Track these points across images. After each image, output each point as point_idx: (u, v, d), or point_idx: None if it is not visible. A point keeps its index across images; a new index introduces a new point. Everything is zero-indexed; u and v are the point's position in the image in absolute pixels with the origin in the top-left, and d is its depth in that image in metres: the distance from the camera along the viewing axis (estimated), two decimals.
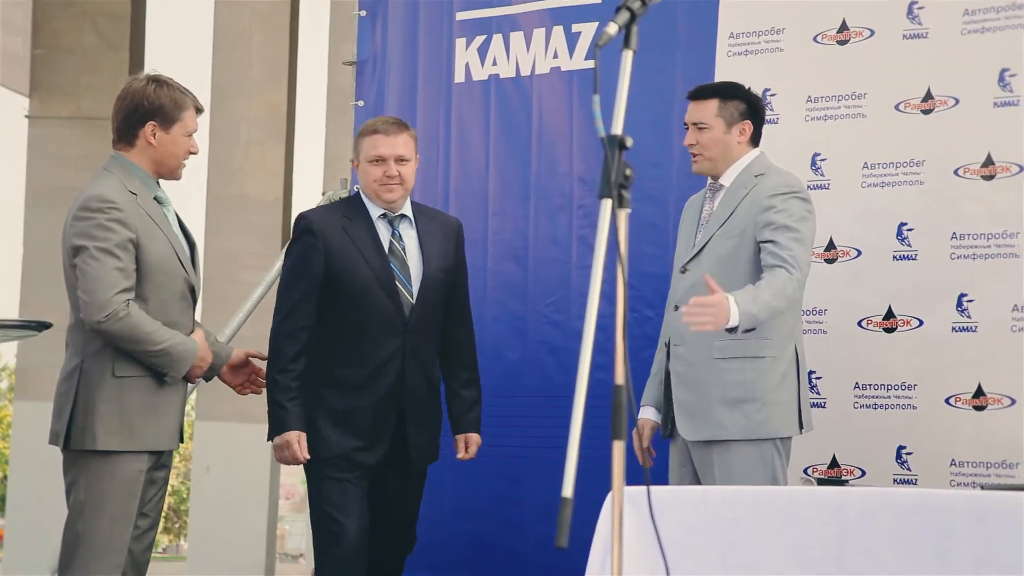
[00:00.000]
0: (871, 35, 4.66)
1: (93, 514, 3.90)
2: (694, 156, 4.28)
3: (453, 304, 4.52)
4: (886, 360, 4.52)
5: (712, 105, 4.24)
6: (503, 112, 5.36)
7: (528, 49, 5.32)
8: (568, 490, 2.42)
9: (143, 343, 3.92)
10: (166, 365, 3.97)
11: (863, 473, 4.54)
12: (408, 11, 5.59)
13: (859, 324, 4.59)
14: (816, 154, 4.72)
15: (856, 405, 4.57)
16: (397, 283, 4.37)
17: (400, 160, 4.40)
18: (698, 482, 4.16)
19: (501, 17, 5.38)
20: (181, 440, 4.09)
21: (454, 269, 4.51)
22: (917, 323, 4.50)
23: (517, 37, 5.34)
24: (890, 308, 4.54)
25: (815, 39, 4.76)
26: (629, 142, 2.61)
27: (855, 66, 4.67)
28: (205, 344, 4.11)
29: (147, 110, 4.03)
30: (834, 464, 4.59)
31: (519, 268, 5.27)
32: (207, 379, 4.33)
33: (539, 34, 5.29)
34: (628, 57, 2.66)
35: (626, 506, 2.85)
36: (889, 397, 4.52)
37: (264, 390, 4.35)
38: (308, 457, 4.30)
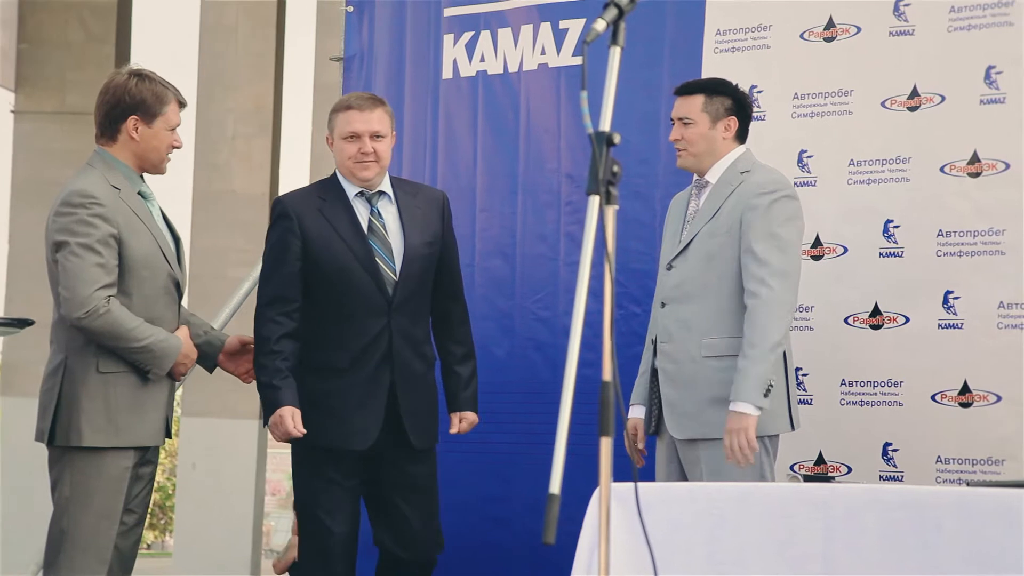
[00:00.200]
0: (857, 32, 4.67)
1: (79, 510, 3.89)
2: (679, 151, 4.28)
3: (443, 278, 4.42)
4: (872, 357, 4.52)
5: (698, 100, 4.24)
6: (491, 108, 5.35)
7: (516, 45, 5.31)
8: (555, 486, 2.42)
9: (124, 340, 3.89)
10: (148, 362, 3.95)
11: (849, 470, 4.55)
12: (396, 7, 5.58)
13: (845, 321, 4.60)
14: (803, 151, 4.72)
15: (842, 402, 4.57)
16: (378, 260, 4.26)
17: (376, 136, 4.28)
18: (685, 478, 4.16)
19: (489, 13, 5.38)
20: (168, 436, 4.08)
21: (440, 242, 4.39)
22: (903, 320, 4.51)
23: (505, 33, 5.34)
24: (876, 305, 4.55)
25: (802, 36, 4.76)
26: (617, 138, 2.62)
27: (842, 63, 4.67)
28: (189, 341, 4.09)
29: (128, 104, 4.01)
30: (820, 461, 4.59)
31: (506, 264, 5.26)
32: (209, 370, 4.30)
33: (527, 30, 5.28)
34: (616, 54, 2.66)
35: (613, 502, 2.85)
36: (875, 394, 4.53)
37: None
38: (304, 431, 4.17)
